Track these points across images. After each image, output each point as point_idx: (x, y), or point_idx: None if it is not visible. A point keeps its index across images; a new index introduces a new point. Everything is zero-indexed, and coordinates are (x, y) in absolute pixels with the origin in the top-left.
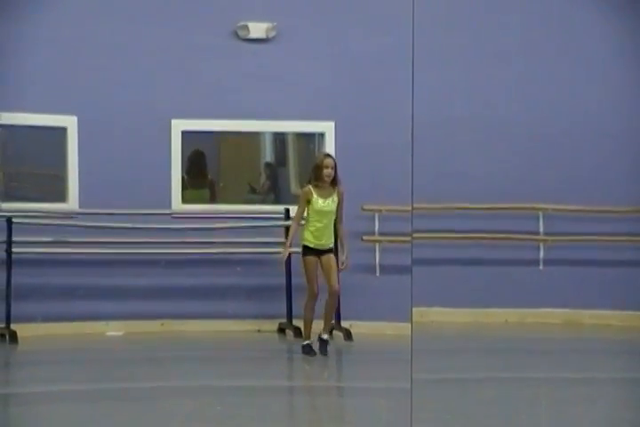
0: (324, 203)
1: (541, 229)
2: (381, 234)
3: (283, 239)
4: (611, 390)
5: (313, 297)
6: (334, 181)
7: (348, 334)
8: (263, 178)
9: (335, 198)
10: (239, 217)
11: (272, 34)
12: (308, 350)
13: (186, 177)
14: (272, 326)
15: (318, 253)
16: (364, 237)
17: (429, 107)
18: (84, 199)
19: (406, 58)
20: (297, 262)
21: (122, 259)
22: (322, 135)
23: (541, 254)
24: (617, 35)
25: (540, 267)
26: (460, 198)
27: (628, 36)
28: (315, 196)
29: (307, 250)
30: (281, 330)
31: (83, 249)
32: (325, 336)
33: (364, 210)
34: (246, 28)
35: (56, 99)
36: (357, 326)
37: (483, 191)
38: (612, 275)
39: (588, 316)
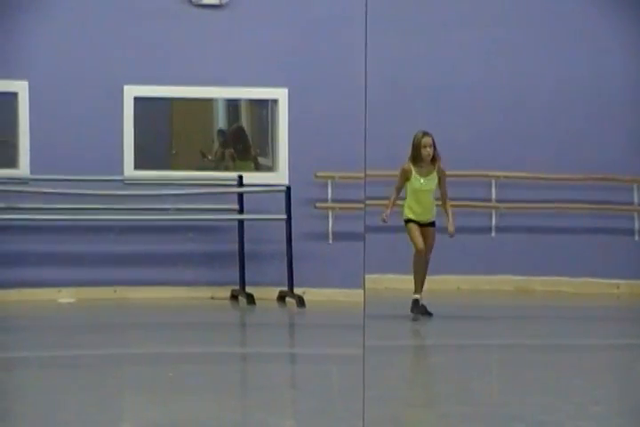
0: (423, 181)
1: (494, 197)
2: (335, 201)
3: (236, 206)
4: (565, 356)
5: (420, 252)
6: (434, 159)
7: (300, 301)
8: (216, 145)
9: (435, 176)
10: (192, 184)
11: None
12: (416, 307)
13: (233, 151)
14: (225, 292)
15: (419, 224)
16: (318, 205)
17: (383, 74)
18: (35, 165)
19: (361, 24)
20: (250, 229)
21: (74, 225)
22: (275, 102)
23: (494, 222)
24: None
25: (493, 234)
26: None
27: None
28: (414, 174)
29: (409, 220)
30: (234, 297)
31: (35, 215)
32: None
33: (317, 177)
34: None
35: (7, 64)
36: (311, 293)
37: None
38: (563, 242)
39: (540, 282)
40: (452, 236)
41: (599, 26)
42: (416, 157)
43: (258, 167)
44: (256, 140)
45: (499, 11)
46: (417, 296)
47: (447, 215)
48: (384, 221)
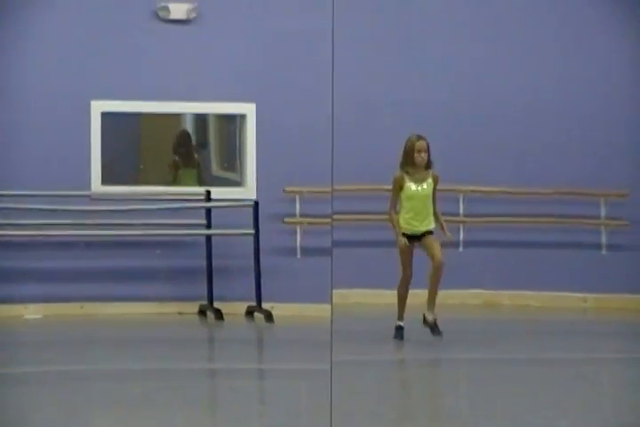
0: (417, 188)
1: (461, 211)
2: (302, 216)
3: (203, 221)
4: (534, 370)
5: (406, 280)
6: (428, 164)
7: (268, 316)
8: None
9: (430, 182)
10: (160, 199)
11: (193, 15)
12: (398, 332)
13: (177, 157)
14: (193, 308)
15: (416, 238)
16: (286, 220)
17: (351, 88)
18: (1, 180)
19: (327, 39)
20: (218, 244)
21: (41, 241)
22: (243, 117)
23: (461, 236)
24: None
25: (460, 249)
26: (381, 180)
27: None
28: (407, 181)
29: (402, 237)
30: (201, 312)
31: (0, 231)
32: (431, 317)
33: (285, 192)
34: (167, 8)
35: None
36: (279, 308)
37: None
38: (531, 256)
39: (508, 296)
40: (450, 239)
41: (569, 40)
42: (408, 163)
43: (201, 176)
44: (224, 155)
45: (467, 25)
46: (400, 323)
47: (438, 221)
48: (405, 244)
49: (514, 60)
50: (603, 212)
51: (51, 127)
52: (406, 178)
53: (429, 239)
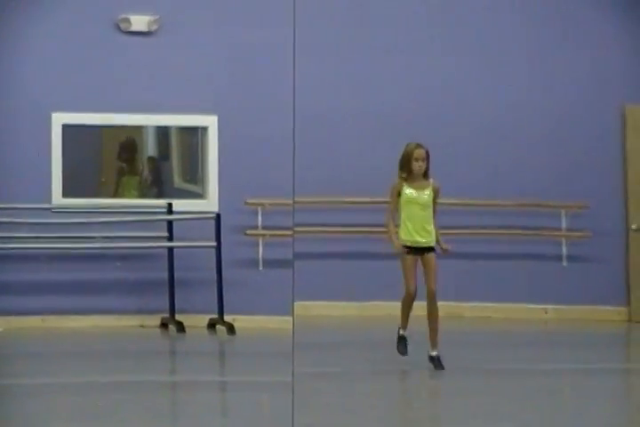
0: (417, 196)
1: None
2: (265, 228)
3: (165, 233)
4: (495, 381)
5: (409, 297)
6: (426, 173)
7: (230, 328)
8: (146, 172)
9: (430, 192)
10: (121, 211)
11: (154, 27)
12: (402, 343)
13: (124, 165)
14: (155, 321)
15: (418, 251)
16: (248, 232)
17: (312, 100)
18: None
19: (289, 51)
20: (179, 256)
21: (2, 254)
22: (205, 129)
23: None
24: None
25: None
26: (344, 192)
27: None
28: (406, 188)
29: (404, 248)
30: (163, 325)
31: None
32: (434, 353)
33: (247, 204)
34: (128, 20)
35: None
36: (240, 320)
37: (366, 185)
38: (492, 268)
39: (469, 308)
40: (445, 252)
41: (532, 56)
42: (406, 171)
43: (142, 182)
44: (186, 167)
45: (429, 38)
46: (403, 333)
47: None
48: (404, 253)
49: (476, 73)
50: (564, 223)
51: (11, 139)
52: (405, 184)
53: (429, 261)
